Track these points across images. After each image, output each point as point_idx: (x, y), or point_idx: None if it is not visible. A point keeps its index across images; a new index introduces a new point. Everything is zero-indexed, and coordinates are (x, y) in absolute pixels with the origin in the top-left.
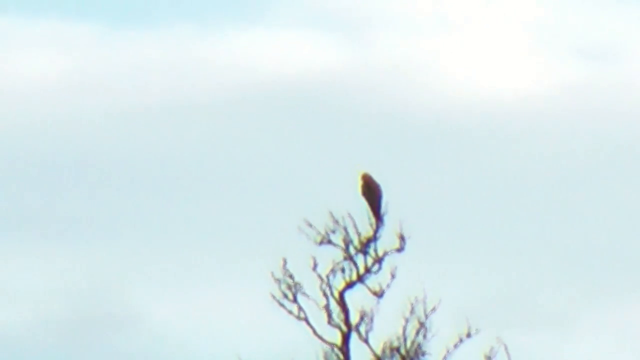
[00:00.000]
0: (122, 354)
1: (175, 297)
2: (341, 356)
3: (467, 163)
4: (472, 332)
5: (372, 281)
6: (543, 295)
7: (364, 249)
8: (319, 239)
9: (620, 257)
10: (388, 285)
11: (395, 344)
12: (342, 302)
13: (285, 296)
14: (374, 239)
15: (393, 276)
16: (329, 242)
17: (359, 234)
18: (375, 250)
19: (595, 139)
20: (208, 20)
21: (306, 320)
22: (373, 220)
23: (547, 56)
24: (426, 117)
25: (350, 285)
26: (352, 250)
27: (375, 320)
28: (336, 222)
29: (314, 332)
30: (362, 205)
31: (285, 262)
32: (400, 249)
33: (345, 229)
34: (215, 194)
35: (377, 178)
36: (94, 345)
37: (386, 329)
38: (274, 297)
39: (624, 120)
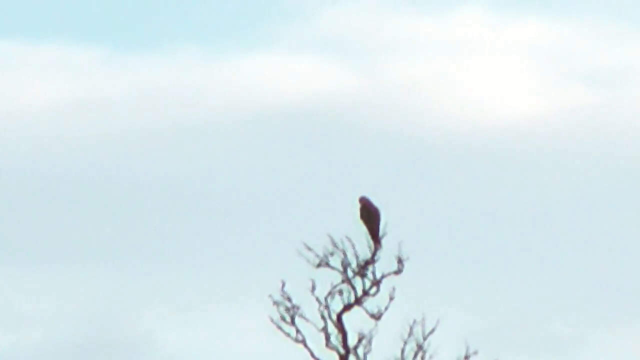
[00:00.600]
0: None
1: (178, 321)
2: None
3: (467, 186)
4: (471, 354)
5: (370, 304)
6: (542, 318)
7: (362, 271)
8: (317, 262)
9: (623, 283)
10: (386, 308)
11: None
12: (340, 325)
13: (284, 319)
14: (372, 261)
15: (391, 298)
16: (327, 265)
17: (357, 257)
18: (374, 273)
19: (602, 162)
20: (216, 44)
21: (304, 343)
22: (371, 243)
23: (554, 80)
24: (430, 140)
25: (348, 307)
26: (350, 273)
27: (374, 342)
28: (335, 245)
29: (312, 355)
30: (361, 229)
31: (283, 284)
32: (398, 272)
33: (344, 252)
34: (215, 217)
35: (376, 200)
36: None
37: (384, 351)
38: (272, 319)
39: (630, 143)
